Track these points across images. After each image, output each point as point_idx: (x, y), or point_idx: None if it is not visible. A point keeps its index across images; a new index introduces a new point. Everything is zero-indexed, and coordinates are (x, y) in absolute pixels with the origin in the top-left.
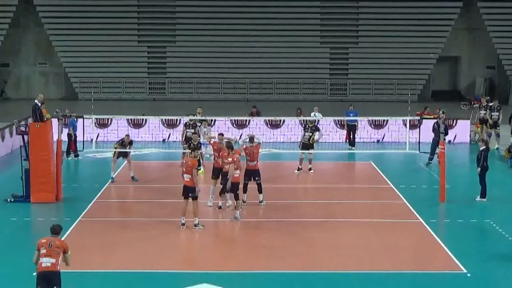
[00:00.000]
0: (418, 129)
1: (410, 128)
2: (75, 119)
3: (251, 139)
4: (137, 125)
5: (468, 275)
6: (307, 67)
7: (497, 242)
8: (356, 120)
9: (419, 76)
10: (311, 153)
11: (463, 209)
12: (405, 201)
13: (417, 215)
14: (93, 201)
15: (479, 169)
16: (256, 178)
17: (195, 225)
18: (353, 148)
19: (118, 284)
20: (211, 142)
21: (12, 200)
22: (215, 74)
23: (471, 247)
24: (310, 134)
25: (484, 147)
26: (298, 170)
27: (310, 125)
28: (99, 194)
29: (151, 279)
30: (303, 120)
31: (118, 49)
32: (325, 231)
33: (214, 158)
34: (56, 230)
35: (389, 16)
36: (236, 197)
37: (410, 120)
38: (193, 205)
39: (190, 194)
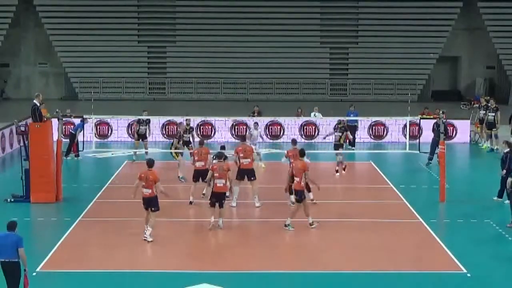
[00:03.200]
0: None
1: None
2: (85, 122)
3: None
4: (139, 136)
5: (468, 275)
6: (307, 67)
7: (497, 242)
8: (356, 121)
9: (419, 76)
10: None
11: (463, 209)
12: (405, 201)
13: (417, 215)
14: (93, 201)
15: (504, 171)
16: (252, 178)
17: (285, 226)
18: (353, 148)
19: (118, 284)
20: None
21: (12, 200)
22: (215, 74)
23: (471, 247)
24: (340, 134)
25: (508, 149)
26: None
27: (340, 126)
28: (99, 194)
29: (151, 279)
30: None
31: (118, 49)
32: (325, 231)
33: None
34: (150, 164)
35: (389, 16)
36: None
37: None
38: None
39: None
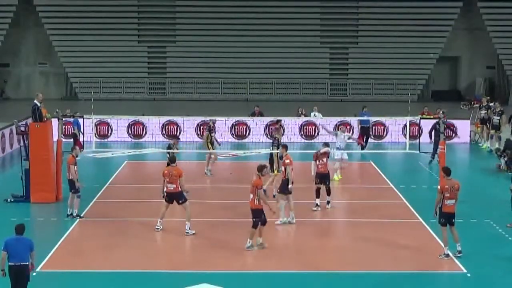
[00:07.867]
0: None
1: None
2: (78, 119)
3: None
4: (137, 135)
5: (468, 275)
6: (307, 67)
7: (497, 242)
8: (369, 122)
9: (419, 76)
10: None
11: (463, 209)
12: (405, 201)
13: (417, 215)
14: (93, 201)
15: None
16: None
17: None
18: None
19: (118, 284)
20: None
21: (12, 200)
22: (215, 74)
23: (471, 247)
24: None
25: None
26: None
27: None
28: (99, 194)
29: (151, 279)
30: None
31: (118, 49)
32: (325, 231)
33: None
34: (173, 160)
35: (389, 16)
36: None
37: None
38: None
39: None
